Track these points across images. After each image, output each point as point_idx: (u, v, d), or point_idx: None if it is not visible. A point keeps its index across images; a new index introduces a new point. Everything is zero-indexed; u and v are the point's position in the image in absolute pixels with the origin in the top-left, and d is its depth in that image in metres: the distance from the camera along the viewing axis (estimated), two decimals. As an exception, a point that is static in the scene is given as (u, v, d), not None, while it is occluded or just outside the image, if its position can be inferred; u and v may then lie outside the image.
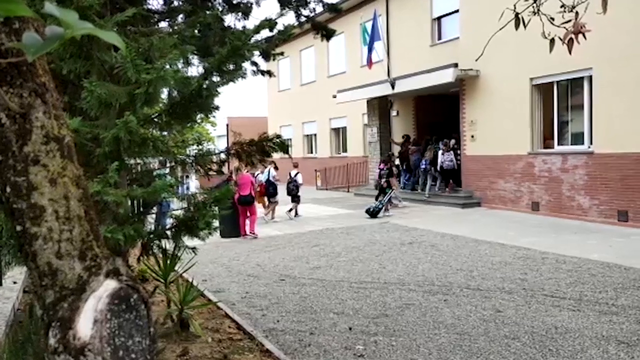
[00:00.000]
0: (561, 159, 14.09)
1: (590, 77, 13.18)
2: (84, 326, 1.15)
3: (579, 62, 11.90)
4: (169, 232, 5.33)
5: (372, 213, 15.87)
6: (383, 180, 16.85)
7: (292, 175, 16.83)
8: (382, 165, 17.54)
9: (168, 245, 5.62)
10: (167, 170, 5.89)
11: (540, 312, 6.54)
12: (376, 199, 16.68)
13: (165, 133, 5.51)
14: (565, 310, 6.58)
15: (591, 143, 13.41)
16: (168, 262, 6.11)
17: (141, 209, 5.68)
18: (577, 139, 14.01)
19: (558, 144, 14.47)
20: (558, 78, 14.10)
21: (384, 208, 16.04)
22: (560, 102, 14.38)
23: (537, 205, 14.72)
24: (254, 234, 13.54)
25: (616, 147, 12.63)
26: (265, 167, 15.20)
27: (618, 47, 12.28)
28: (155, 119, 5.09)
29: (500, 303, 6.98)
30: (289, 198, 16.59)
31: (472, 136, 16.85)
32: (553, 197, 14.29)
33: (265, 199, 16.19)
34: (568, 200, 13.86)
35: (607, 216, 12.84)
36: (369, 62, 19.61)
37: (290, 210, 16.65)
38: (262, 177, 16.24)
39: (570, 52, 3.83)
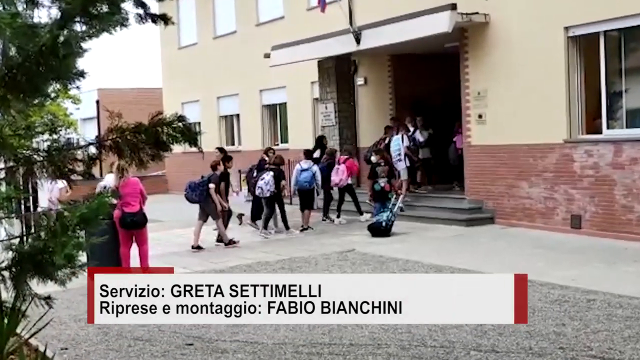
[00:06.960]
0: (613, 150, 14.43)
1: (655, 24, 13.63)
2: None
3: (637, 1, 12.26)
4: (5, 273, 5.22)
5: (383, 230, 16.06)
6: (383, 181, 17.11)
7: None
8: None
9: (5, 293, 5.49)
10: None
11: (587, 383, 6.70)
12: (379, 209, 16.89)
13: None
14: (623, 379, 6.76)
15: (658, 125, 13.87)
16: (6, 320, 5.98)
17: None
18: (637, 118, 14.44)
19: (608, 128, 14.85)
20: (606, 27, 14.46)
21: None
22: (610, 64, 14.75)
23: (579, 220, 15.06)
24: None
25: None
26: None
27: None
28: (-18, 93, 4.98)
29: (526, 371, 7.12)
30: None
31: (480, 116, 17.13)
32: (602, 207, 14.64)
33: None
34: (624, 212, 14.22)
35: (682, 235, 13.28)
36: (321, 3, 19.64)
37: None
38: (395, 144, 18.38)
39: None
